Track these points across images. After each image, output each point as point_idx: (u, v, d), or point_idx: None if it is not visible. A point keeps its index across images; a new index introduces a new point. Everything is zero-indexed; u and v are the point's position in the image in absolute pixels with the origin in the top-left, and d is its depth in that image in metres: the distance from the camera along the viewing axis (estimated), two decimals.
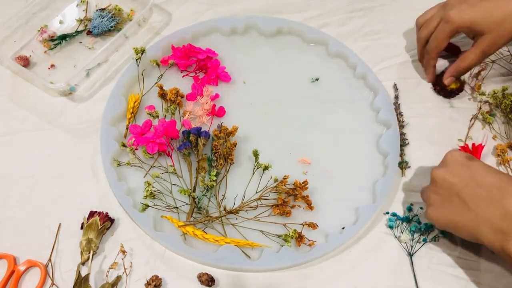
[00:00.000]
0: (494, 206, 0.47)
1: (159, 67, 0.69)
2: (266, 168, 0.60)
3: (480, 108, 0.67)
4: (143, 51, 0.67)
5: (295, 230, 0.56)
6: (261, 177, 0.60)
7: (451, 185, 0.51)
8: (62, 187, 0.60)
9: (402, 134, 0.64)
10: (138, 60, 0.67)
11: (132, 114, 0.64)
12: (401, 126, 0.65)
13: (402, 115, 0.67)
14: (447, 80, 0.66)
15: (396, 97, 0.68)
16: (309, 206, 0.58)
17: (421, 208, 0.59)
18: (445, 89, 0.68)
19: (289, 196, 0.58)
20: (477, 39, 0.62)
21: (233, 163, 0.61)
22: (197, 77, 0.69)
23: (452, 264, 0.56)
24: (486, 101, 0.68)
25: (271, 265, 0.54)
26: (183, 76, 0.69)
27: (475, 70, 0.70)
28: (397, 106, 0.67)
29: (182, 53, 0.69)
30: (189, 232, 0.56)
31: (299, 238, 0.55)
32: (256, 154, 0.60)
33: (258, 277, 0.54)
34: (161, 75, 0.68)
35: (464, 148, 0.63)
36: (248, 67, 0.70)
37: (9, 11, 0.73)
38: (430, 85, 0.70)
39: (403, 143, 0.64)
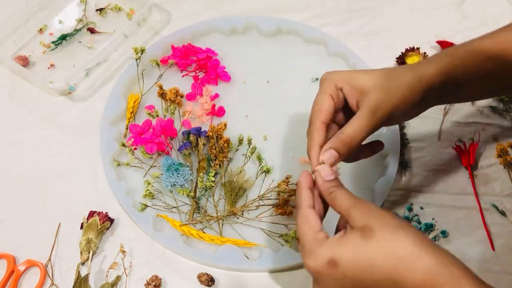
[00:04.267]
0: None
1: (159, 66, 0.69)
2: (268, 171, 0.60)
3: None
4: (142, 50, 0.66)
5: (295, 231, 0.56)
6: (263, 180, 0.60)
7: None
8: (62, 187, 0.60)
9: (402, 134, 0.64)
10: (138, 60, 0.67)
11: (132, 114, 0.64)
12: (401, 126, 0.65)
13: None
14: (323, 155, 0.45)
15: None
16: None
17: (421, 208, 0.59)
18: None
19: (291, 196, 0.58)
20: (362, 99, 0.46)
21: (229, 160, 0.61)
22: (197, 77, 0.68)
23: None
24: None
25: (271, 265, 0.54)
26: (183, 76, 0.69)
27: None
28: None
29: (182, 52, 0.69)
30: (185, 231, 0.56)
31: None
32: (259, 159, 0.60)
33: (258, 277, 0.54)
34: (161, 74, 0.68)
35: (459, 148, 0.63)
36: (248, 67, 0.70)
37: (9, 11, 0.73)
38: None
39: (403, 143, 0.64)
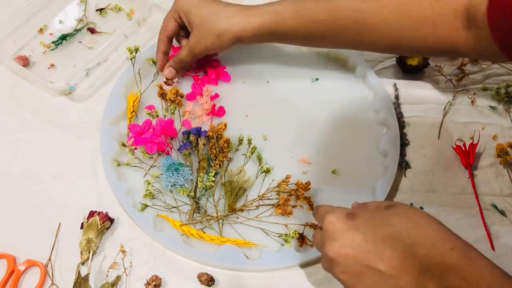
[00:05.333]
0: (407, 261, 0.38)
1: (155, 65, 0.69)
2: (268, 171, 0.60)
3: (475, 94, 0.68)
4: (136, 50, 0.66)
5: (295, 230, 0.56)
6: (263, 180, 0.60)
7: (355, 259, 0.40)
8: (62, 187, 0.60)
9: (402, 134, 0.64)
10: (133, 60, 0.67)
11: (133, 113, 0.64)
12: (401, 126, 0.65)
13: (402, 115, 0.67)
14: (165, 71, 0.65)
15: (396, 97, 0.68)
16: (311, 207, 0.58)
17: (421, 208, 0.59)
18: (405, 65, 0.69)
19: (291, 196, 0.58)
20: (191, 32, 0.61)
21: (230, 160, 0.61)
22: (197, 77, 0.68)
23: None
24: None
25: (271, 265, 0.54)
26: (183, 76, 0.69)
27: (458, 62, 0.70)
28: (397, 106, 0.67)
29: None
30: (185, 231, 0.56)
31: (301, 239, 0.55)
32: (259, 158, 0.60)
33: (258, 277, 0.54)
34: (157, 72, 0.68)
35: (458, 148, 0.63)
36: (248, 67, 0.70)
37: (9, 11, 0.73)
38: (430, 84, 0.70)
39: (403, 143, 0.64)
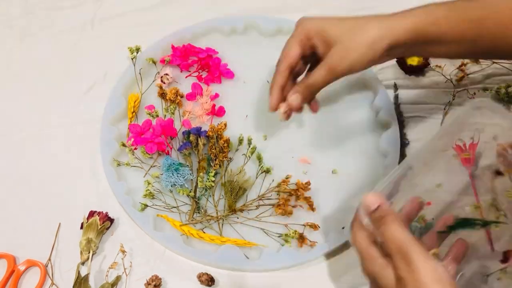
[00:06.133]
0: None
1: (155, 64, 0.69)
2: (268, 171, 0.60)
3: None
4: (138, 49, 0.66)
5: (295, 231, 0.56)
6: (263, 180, 0.60)
7: None
8: (62, 187, 0.60)
9: (402, 134, 0.64)
10: (134, 60, 0.67)
11: (134, 114, 0.64)
12: (401, 126, 0.65)
13: (402, 115, 0.67)
14: (290, 98, 0.53)
15: (396, 97, 0.68)
16: (311, 207, 0.58)
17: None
18: (405, 65, 0.69)
19: (291, 196, 0.58)
20: (328, 52, 0.50)
21: (230, 160, 0.61)
22: (200, 77, 0.68)
23: None
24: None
25: (271, 265, 0.54)
26: (186, 77, 0.69)
27: (458, 62, 0.70)
28: (397, 106, 0.67)
29: (182, 52, 0.69)
30: (185, 231, 0.56)
31: (301, 239, 0.55)
32: (259, 158, 0.60)
33: (258, 277, 0.54)
34: (158, 72, 0.68)
35: (458, 148, 0.63)
36: (248, 67, 0.70)
37: (9, 11, 0.73)
38: (430, 84, 0.70)
39: (403, 143, 0.64)
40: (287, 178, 0.59)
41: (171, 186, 0.58)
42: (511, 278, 0.47)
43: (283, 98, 0.54)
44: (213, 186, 0.59)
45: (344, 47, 0.49)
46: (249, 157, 0.61)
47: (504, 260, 0.48)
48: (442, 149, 0.55)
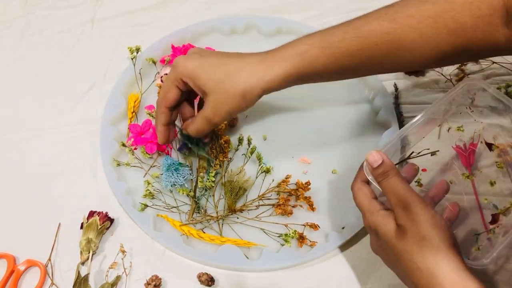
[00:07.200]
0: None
1: (155, 64, 0.69)
2: (268, 171, 0.60)
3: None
4: (138, 49, 0.66)
5: (295, 230, 0.56)
6: (263, 180, 0.60)
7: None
8: (62, 187, 0.60)
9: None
10: (134, 60, 0.67)
11: (134, 114, 0.64)
12: (401, 126, 0.65)
13: (402, 115, 0.67)
14: (188, 130, 0.54)
15: (396, 97, 0.68)
16: (311, 207, 0.58)
17: None
18: None
19: (291, 196, 0.58)
20: (205, 97, 0.51)
21: (230, 160, 0.61)
22: None
23: None
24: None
25: (271, 265, 0.54)
26: None
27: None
28: (397, 106, 0.67)
29: (182, 52, 0.69)
30: (185, 231, 0.56)
31: (301, 239, 0.55)
32: (259, 158, 0.60)
33: (258, 277, 0.54)
34: (158, 72, 0.68)
35: (458, 148, 0.63)
36: None
37: (8, 11, 0.73)
38: (430, 84, 0.70)
39: (403, 143, 0.64)
40: (287, 178, 0.59)
41: (171, 186, 0.58)
42: (498, 238, 0.53)
43: (169, 131, 0.55)
44: (213, 186, 0.59)
45: (216, 99, 0.49)
46: (249, 157, 0.61)
47: (493, 221, 0.55)
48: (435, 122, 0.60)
